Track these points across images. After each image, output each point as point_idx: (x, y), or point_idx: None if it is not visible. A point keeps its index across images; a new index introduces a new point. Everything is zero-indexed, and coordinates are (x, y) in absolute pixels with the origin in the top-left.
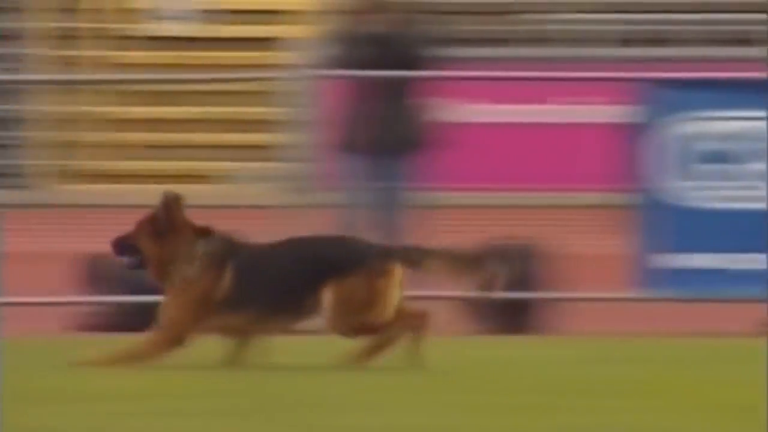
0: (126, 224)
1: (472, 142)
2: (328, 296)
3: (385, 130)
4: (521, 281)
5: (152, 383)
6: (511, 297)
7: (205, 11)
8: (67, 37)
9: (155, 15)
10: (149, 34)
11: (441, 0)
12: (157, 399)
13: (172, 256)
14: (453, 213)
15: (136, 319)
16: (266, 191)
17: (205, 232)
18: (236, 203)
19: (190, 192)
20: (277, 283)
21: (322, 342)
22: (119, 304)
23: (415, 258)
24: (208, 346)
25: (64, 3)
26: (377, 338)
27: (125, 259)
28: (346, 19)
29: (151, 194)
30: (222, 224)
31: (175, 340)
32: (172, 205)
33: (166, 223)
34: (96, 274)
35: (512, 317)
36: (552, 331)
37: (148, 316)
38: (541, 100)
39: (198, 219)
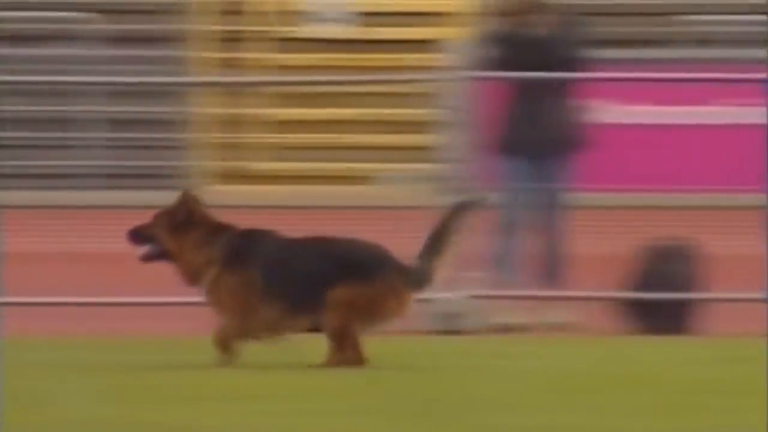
0: (286, 225)
1: (626, 144)
2: (333, 293)
3: (540, 132)
4: (673, 282)
5: (294, 382)
6: (661, 297)
7: (362, 13)
8: (230, 40)
9: (313, 17)
10: (307, 36)
11: (596, 2)
12: (301, 398)
13: (192, 250)
14: (606, 214)
15: None
16: (420, 192)
17: (224, 228)
18: (390, 204)
19: (346, 193)
20: (299, 281)
21: (457, 341)
22: None
23: (426, 276)
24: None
25: (226, 6)
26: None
27: (141, 249)
28: (500, 21)
29: (309, 196)
30: (374, 225)
31: (242, 332)
32: (190, 202)
33: (184, 217)
34: None
35: (664, 318)
36: (701, 332)
37: None
38: (695, 102)
39: (352, 220)
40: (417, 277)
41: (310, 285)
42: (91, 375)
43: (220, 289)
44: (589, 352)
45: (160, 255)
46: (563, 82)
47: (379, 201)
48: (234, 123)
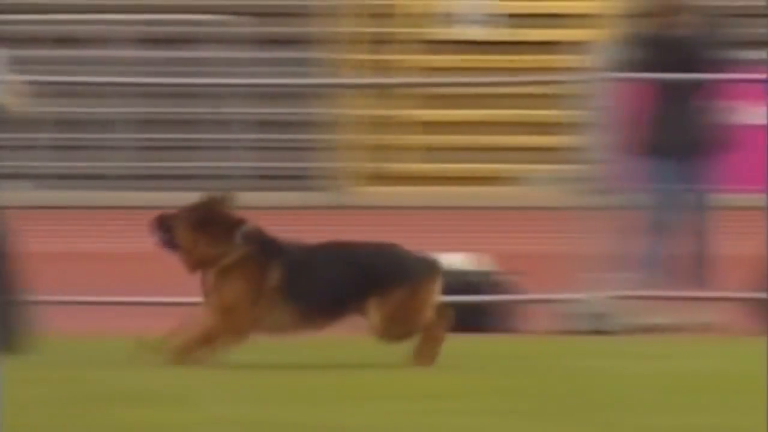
0: (428, 225)
1: (759, 145)
2: (375, 310)
3: (683, 133)
4: None
5: (431, 382)
6: None
7: (507, 15)
8: (377, 42)
9: (460, 19)
10: (454, 38)
11: (739, 3)
12: (444, 398)
13: (206, 246)
14: (749, 214)
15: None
16: (564, 193)
17: (242, 225)
18: (535, 205)
19: (492, 194)
20: (323, 285)
21: (603, 341)
22: None
23: (438, 262)
24: (481, 345)
25: (374, 8)
26: (425, 338)
27: (156, 237)
28: (643, 23)
29: (456, 196)
30: (519, 225)
31: (236, 331)
32: (212, 203)
33: (203, 215)
34: None
35: None
36: None
37: (458, 316)
38: None
39: (498, 220)
40: (434, 266)
41: (333, 292)
42: (235, 374)
43: (227, 281)
44: (734, 353)
45: (169, 244)
46: (706, 83)
47: (525, 202)
48: (381, 124)
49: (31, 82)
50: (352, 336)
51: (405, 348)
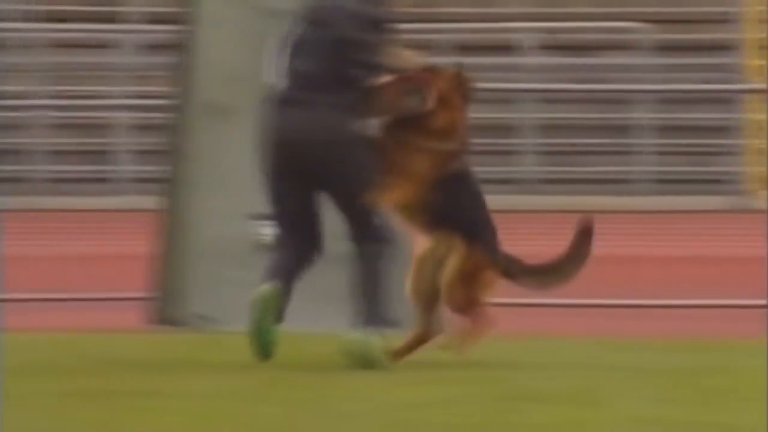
0: None
1: None
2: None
3: None
4: None
5: None
6: None
7: None
8: None
9: None
10: None
11: None
12: None
13: (423, 126)
14: None
15: None
16: None
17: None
18: None
19: None
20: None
21: None
22: None
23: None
24: None
25: None
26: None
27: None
28: None
29: None
30: None
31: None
32: (463, 85)
33: (450, 95)
34: None
35: None
36: None
37: None
38: None
39: None
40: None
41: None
42: (644, 375)
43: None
44: None
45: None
46: None
47: None
48: None
49: None
50: (737, 340)
51: None
